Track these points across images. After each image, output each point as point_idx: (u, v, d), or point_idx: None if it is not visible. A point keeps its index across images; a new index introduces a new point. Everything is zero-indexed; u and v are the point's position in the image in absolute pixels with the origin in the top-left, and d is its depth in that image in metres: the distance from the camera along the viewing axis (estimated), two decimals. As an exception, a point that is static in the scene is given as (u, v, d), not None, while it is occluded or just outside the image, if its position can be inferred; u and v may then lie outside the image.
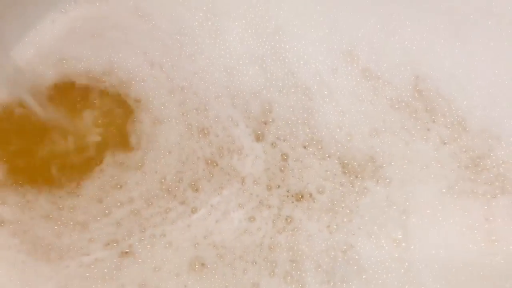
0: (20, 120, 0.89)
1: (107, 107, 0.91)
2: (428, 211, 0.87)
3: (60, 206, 0.84)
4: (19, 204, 0.84)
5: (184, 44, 0.94)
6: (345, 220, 0.85)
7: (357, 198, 0.86)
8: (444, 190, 0.88)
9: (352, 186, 0.87)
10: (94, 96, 0.92)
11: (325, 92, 0.93)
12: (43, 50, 0.93)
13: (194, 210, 0.85)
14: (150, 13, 0.96)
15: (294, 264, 0.83)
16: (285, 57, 0.95)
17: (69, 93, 0.92)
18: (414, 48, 0.97)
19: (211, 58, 0.94)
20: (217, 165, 0.87)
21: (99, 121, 0.90)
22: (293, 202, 0.86)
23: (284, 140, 0.89)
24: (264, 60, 0.94)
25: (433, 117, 0.92)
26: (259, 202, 0.86)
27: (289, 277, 0.83)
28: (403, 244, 0.84)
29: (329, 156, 0.89)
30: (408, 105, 0.92)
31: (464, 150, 0.90)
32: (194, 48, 0.94)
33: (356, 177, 0.88)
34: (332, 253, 0.83)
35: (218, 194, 0.86)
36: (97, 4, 0.96)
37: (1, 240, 0.82)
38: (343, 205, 0.86)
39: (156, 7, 0.96)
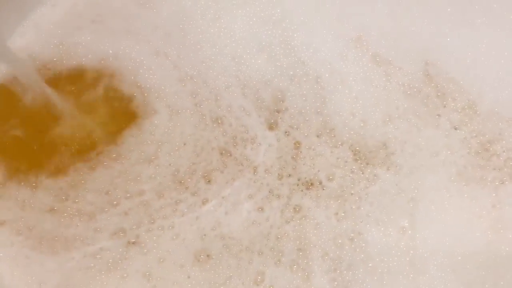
0: (20, 106, 0.90)
1: (114, 96, 0.91)
2: (435, 199, 0.87)
3: (64, 198, 0.84)
4: (20, 202, 0.84)
5: (188, 33, 0.94)
6: (353, 207, 0.86)
7: (367, 185, 0.86)
8: (453, 178, 0.88)
9: (362, 173, 0.87)
10: (97, 83, 0.91)
11: (337, 80, 0.92)
12: (42, 33, 0.93)
13: (205, 202, 0.85)
14: (151, 0, 0.96)
15: (301, 253, 0.83)
16: (293, 45, 0.94)
17: (73, 79, 0.92)
18: (422, 32, 0.96)
19: (217, 46, 0.93)
20: (231, 155, 0.88)
21: (99, 113, 0.91)
22: (302, 191, 0.86)
23: (297, 129, 0.89)
24: (273, 49, 0.94)
25: (444, 103, 0.92)
26: (269, 191, 0.86)
27: (295, 266, 0.83)
28: (409, 232, 0.84)
29: (341, 144, 0.89)
30: (419, 91, 0.92)
31: (474, 135, 0.90)
32: (198, 37, 0.94)
33: (367, 164, 0.88)
34: (340, 241, 0.84)
35: (230, 185, 0.86)
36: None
37: (3, 238, 0.82)
38: (352, 192, 0.86)
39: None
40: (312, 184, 0.87)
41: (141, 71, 0.92)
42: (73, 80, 0.91)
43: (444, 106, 0.91)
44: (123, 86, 0.91)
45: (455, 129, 0.90)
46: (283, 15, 0.96)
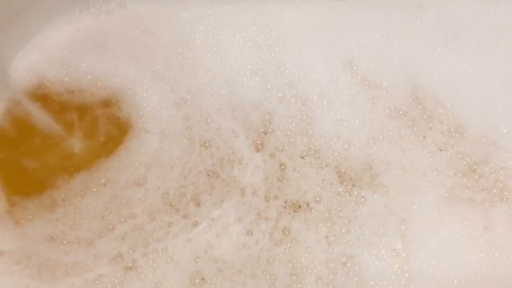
0: (17, 126, 0.91)
1: (107, 118, 0.93)
2: (426, 220, 0.87)
3: (63, 227, 0.85)
4: (20, 233, 0.84)
5: (186, 57, 0.97)
6: (343, 230, 0.86)
7: (355, 208, 0.87)
8: (441, 198, 0.88)
9: (349, 195, 0.88)
10: (95, 105, 0.94)
11: (324, 102, 0.94)
12: (46, 56, 0.96)
13: (195, 224, 0.86)
14: (152, 26, 0.99)
15: (294, 277, 0.83)
16: (285, 68, 0.97)
17: (69, 100, 0.94)
18: (411, 57, 0.98)
19: (212, 70, 0.96)
20: (218, 176, 0.89)
21: (97, 131, 0.92)
22: (290, 213, 0.87)
23: (282, 150, 0.91)
24: (265, 72, 0.96)
25: (430, 125, 0.93)
26: (257, 214, 0.87)
27: (290, 290, 0.83)
28: (403, 254, 0.84)
29: (326, 165, 0.90)
30: (405, 114, 0.93)
31: (461, 156, 0.91)
32: (195, 61, 0.96)
33: (353, 186, 0.89)
34: (332, 264, 0.84)
35: (219, 207, 0.87)
36: (101, 16, 0.99)
37: (2, 269, 0.82)
38: (341, 214, 0.87)
39: (158, 21, 0.99)
40: (299, 206, 0.87)
41: (139, 92, 0.94)
42: (69, 101, 0.94)
43: (430, 129, 0.92)
44: (120, 107, 0.93)
45: (441, 150, 0.90)
46: (277, 39, 0.99)
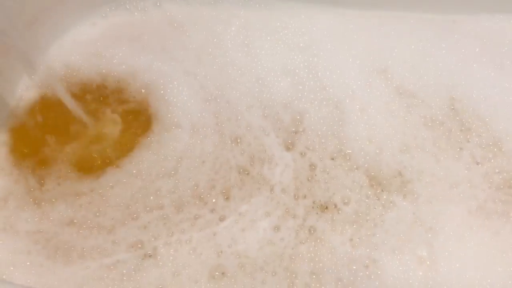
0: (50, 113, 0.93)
1: (138, 111, 0.94)
2: (455, 230, 0.84)
3: (85, 212, 0.85)
4: (39, 214, 0.85)
5: (216, 56, 0.98)
6: (368, 233, 0.83)
7: (383, 212, 0.85)
8: (472, 211, 0.85)
9: (378, 199, 0.86)
10: (127, 97, 0.95)
11: (357, 106, 0.93)
12: (81, 47, 0.99)
13: (222, 218, 0.85)
14: (185, 25, 1.01)
15: (314, 276, 0.81)
16: (317, 71, 0.97)
17: (102, 91, 0.95)
18: (449, 69, 0.98)
19: (242, 69, 0.96)
20: (248, 173, 0.88)
21: (125, 124, 0.93)
22: (317, 213, 0.85)
23: (312, 151, 0.89)
24: (297, 73, 0.96)
25: (468, 137, 0.91)
26: (285, 211, 0.86)
27: (308, 290, 0.82)
28: (428, 262, 0.81)
29: (356, 168, 0.88)
30: (442, 124, 0.92)
31: (497, 171, 0.88)
32: (226, 60, 0.97)
33: (383, 190, 0.87)
34: (354, 267, 0.81)
35: (247, 202, 0.86)
36: (136, 13, 1.01)
37: (21, 246, 0.82)
38: (367, 218, 0.85)
39: (191, 20, 1.01)
40: (327, 207, 0.86)
41: (170, 87, 0.95)
42: (101, 92, 0.95)
43: (468, 141, 0.91)
44: (151, 100, 0.94)
45: (477, 163, 0.88)
46: (310, 43, 1.00)
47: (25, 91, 0.94)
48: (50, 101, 0.93)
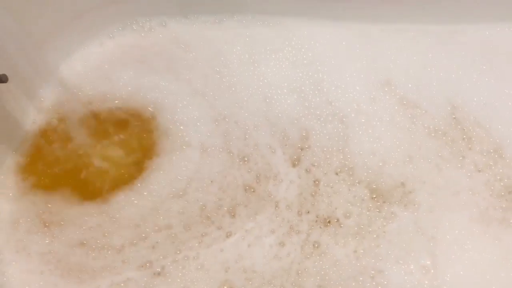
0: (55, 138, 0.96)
1: (147, 131, 0.97)
2: (457, 238, 0.87)
3: (94, 233, 0.88)
4: (49, 237, 0.88)
5: (224, 75, 1.00)
6: (372, 245, 0.86)
7: (384, 223, 0.88)
8: (474, 218, 0.88)
9: (379, 211, 0.89)
10: (135, 118, 0.97)
11: (362, 120, 0.96)
12: (89, 67, 1.01)
13: (229, 235, 0.88)
14: (191, 44, 1.03)
15: (322, 290, 0.84)
16: (323, 86, 0.99)
17: (110, 113, 0.98)
18: (450, 78, 1.00)
19: (250, 88, 0.99)
20: (254, 191, 0.91)
21: (135, 145, 0.96)
22: (321, 228, 0.88)
23: (317, 166, 0.92)
24: (303, 90, 0.99)
25: (470, 145, 0.93)
26: (290, 227, 0.88)
27: (316, 304, 0.85)
28: (432, 271, 0.84)
29: (359, 182, 0.91)
30: (445, 134, 0.94)
31: (498, 177, 0.91)
32: (233, 79, 1.00)
33: (384, 202, 0.90)
34: (361, 278, 0.84)
35: (253, 219, 0.89)
36: (142, 34, 1.04)
37: (33, 267, 0.85)
38: (370, 229, 0.87)
39: (197, 40, 1.03)
40: (329, 222, 0.88)
41: (179, 107, 0.98)
42: (110, 114, 0.98)
43: (470, 149, 0.93)
44: (160, 120, 0.97)
45: (479, 171, 0.90)
46: (314, 58, 1.02)
47: (36, 115, 0.97)
48: (59, 126, 0.96)
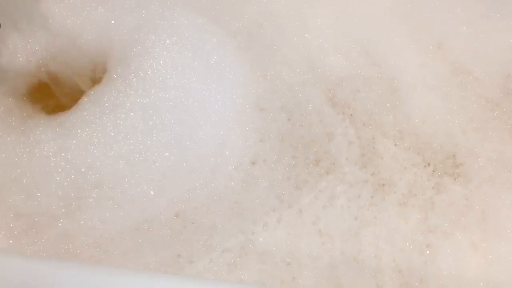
0: None
1: None
2: (509, 215, 0.82)
3: None
4: None
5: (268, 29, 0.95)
6: (419, 216, 0.82)
7: (434, 194, 0.84)
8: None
9: (429, 180, 0.85)
10: None
11: (411, 85, 0.91)
12: None
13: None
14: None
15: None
16: (369, 48, 0.94)
17: None
18: (505, 45, 0.94)
19: (294, 45, 0.94)
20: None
21: None
22: (372, 197, 0.84)
23: (366, 130, 0.88)
24: (349, 50, 0.94)
25: (524, 117, 0.88)
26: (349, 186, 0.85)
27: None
28: (481, 248, 0.80)
29: (409, 148, 0.87)
30: (498, 105, 0.90)
31: (557, 154, 0.86)
32: (276, 35, 0.94)
33: (433, 171, 0.85)
34: (410, 247, 0.81)
35: (324, 179, 0.85)
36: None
37: None
38: (420, 199, 0.83)
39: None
40: (384, 184, 0.85)
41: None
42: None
43: (524, 121, 0.88)
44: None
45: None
46: (363, 18, 0.97)
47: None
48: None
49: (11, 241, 0.76)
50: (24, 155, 0.79)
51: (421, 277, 0.79)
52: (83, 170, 0.79)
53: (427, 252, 0.80)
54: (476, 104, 0.90)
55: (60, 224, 0.78)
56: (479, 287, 0.79)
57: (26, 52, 0.90)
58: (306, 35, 0.94)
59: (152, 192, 0.81)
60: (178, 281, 0.65)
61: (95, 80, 0.88)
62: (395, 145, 0.87)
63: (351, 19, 0.96)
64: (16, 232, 0.77)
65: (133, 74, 0.85)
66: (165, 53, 0.87)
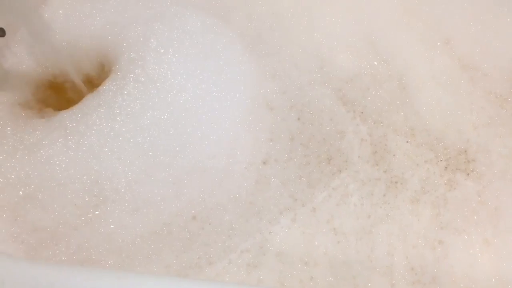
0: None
1: None
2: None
3: None
4: None
5: (276, 30, 0.95)
6: (431, 213, 0.82)
7: (447, 190, 0.84)
8: (543, 191, 0.83)
9: (441, 177, 0.85)
10: None
11: (420, 82, 0.91)
12: None
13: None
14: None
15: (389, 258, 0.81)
16: (378, 46, 0.94)
17: None
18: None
19: (303, 45, 0.94)
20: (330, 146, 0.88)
21: None
22: (385, 195, 0.84)
23: (376, 127, 0.88)
24: (357, 48, 0.94)
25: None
26: (362, 183, 0.85)
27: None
28: (493, 244, 0.80)
29: (421, 144, 0.87)
30: (507, 100, 0.90)
31: None
32: (285, 35, 0.95)
33: (446, 168, 0.85)
34: (421, 248, 0.81)
35: (337, 177, 0.85)
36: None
37: None
38: (432, 196, 0.83)
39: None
40: (396, 182, 0.85)
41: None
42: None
43: (534, 117, 0.89)
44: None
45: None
46: (370, 15, 0.97)
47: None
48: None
49: (33, 253, 0.76)
50: (36, 172, 0.79)
51: (433, 274, 0.79)
52: (97, 177, 0.79)
53: (440, 249, 0.80)
54: (485, 99, 0.89)
55: (79, 233, 0.77)
56: (491, 283, 0.78)
57: (30, 56, 0.89)
58: (315, 34, 0.94)
59: (168, 195, 0.80)
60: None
61: (100, 83, 0.88)
62: (407, 142, 0.87)
63: (359, 18, 0.96)
64: (35, 245, 0.76)
65: (142, 75, 0.85)
66: (176, 54, 0.87)
